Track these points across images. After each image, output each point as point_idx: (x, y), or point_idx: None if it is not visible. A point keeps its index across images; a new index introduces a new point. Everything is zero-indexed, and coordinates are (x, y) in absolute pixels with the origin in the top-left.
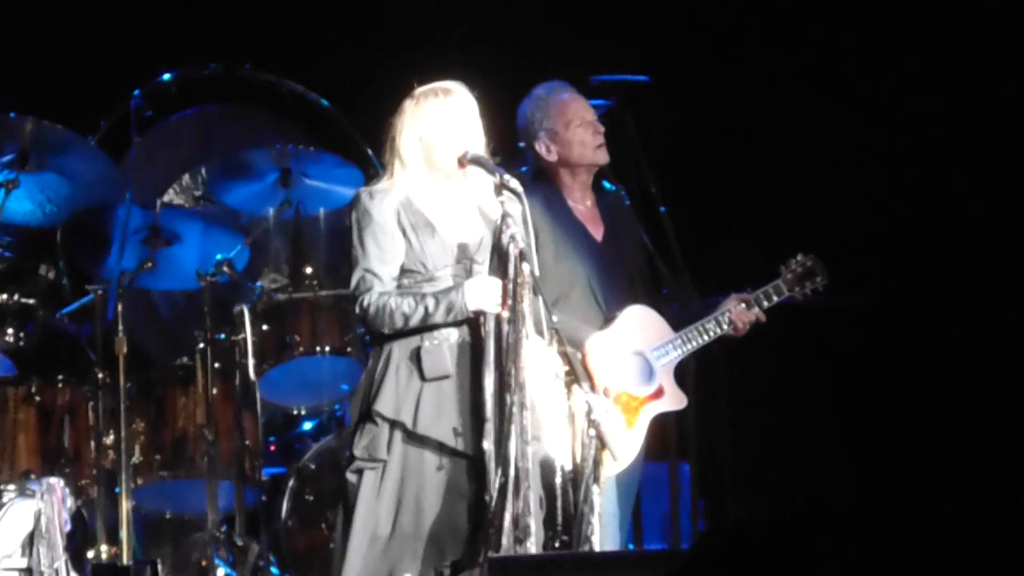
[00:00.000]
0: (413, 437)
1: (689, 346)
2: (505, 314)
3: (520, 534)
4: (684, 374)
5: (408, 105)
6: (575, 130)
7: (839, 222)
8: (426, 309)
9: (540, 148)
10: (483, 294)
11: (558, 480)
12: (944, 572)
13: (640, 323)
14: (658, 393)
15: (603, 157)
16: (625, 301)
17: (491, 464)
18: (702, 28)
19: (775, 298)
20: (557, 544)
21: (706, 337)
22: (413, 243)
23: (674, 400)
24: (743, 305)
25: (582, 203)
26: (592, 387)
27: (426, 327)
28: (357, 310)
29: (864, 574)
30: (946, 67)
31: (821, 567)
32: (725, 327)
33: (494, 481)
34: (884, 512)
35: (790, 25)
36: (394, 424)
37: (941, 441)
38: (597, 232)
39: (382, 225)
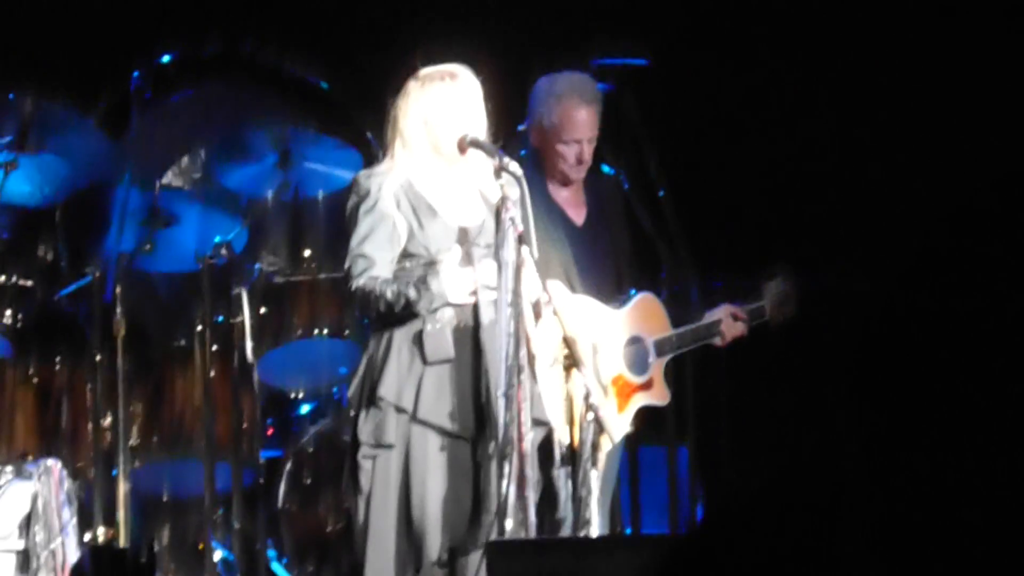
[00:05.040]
0: (415, 420)
1: (683, 347)
2: (507, 298)
3: (521, 518)
4: (683, 356)
5: (412, 87)
6: (563, 145)
7: (840, 205)
8: (407, 300)
9: (531, 131)
10: (459, 287)
11: (556, 464)
12: (952, 548)
13: (647, 312)
14: (648, 384)
15: (574, 176)
16: (605, 287)
17: (495, 447)
18: (703, 11)
19: (757, 319)
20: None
21: (697, 342)
22: (414, 227)
23: (660, 395)
24: (732, 319)
25: (565, 185)
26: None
27: (428, 314)
28: (346, 293)
29: (870, 550)
30: (946, 53)
31: (826, 543)
32: (715, 337)
33: (496, 465)
34: (890, 491)
35: (793, 7)
36: (397, 408)
37: (944, 423)
38: (579, 216)
39: (380, 209)
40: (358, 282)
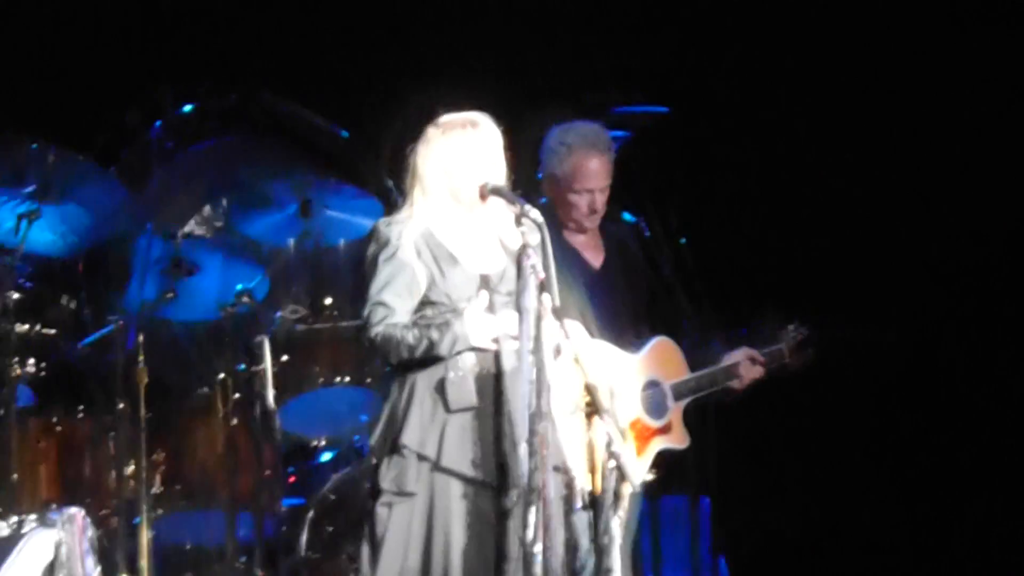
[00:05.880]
0: (438, 469)
1: (701, 390)
2: (528, 345)
3: (544, 567)
4: (705, 407)
5: (433, 134)
6: (575, 194)
7: (859, 255)
8: (430, 341)
9: (544, 180)
10: (482, 330)
11: (576, 511)
12: None
13: (664, 356)
14: (667, 427)
15: (588, 224)
16: (623, 330)
17: (518, 495)
18: (725, 59)
19: (776, 362)
20: None
21: (715, 385)
22: (436, 275)
23: (679, 438)
24: (749, 361)
25: (580, 232)
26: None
27: (450, 357)
28: (365, 341)
29: None
30: (966, 96)
31: None
32: (733, 379)
33: (522, 513)
34: (910, 536)
35: (812, 55)
36: (420, 456)
37: (963, 465)
38: (596, 260)
39: (400, 257)
40: (377, 329)
